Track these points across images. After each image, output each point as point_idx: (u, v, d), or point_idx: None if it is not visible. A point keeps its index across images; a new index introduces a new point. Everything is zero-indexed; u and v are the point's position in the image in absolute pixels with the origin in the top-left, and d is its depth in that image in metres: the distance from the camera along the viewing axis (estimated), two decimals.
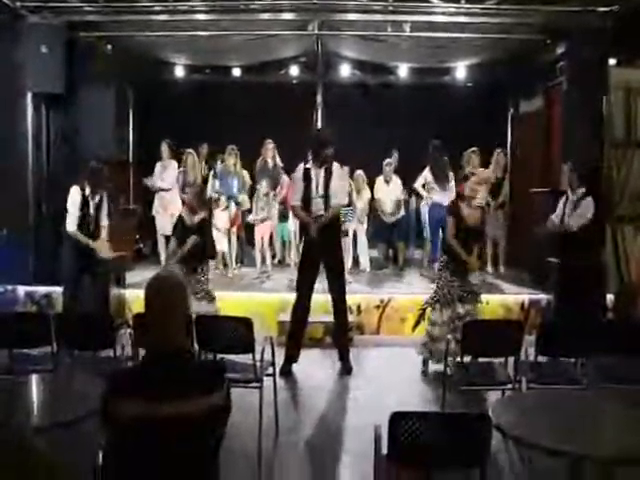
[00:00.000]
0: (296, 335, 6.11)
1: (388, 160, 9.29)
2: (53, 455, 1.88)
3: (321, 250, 5.96)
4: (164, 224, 8.67)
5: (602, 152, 7.52)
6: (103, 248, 6.56)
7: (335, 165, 6.14)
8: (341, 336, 6.27)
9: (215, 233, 8.57)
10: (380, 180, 9.26)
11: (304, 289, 6.07)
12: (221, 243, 8.66)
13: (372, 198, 9.26)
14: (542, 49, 8.43)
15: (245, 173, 9.27)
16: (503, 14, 7.46)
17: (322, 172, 6.00)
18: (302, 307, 6.08)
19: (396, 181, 9.24)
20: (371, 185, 9.28)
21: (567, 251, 6.48)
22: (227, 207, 8.86)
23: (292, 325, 6.15)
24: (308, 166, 6.06)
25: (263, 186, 8.89)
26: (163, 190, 9.03)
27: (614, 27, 7.20)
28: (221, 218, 8.82)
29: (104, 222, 6.62)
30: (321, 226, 5.91)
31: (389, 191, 9.21)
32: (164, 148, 9.10)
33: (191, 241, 5.96)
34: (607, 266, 7.15)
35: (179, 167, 9.13)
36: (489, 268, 8.94)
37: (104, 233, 6.61)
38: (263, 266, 8.89)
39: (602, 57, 7.52)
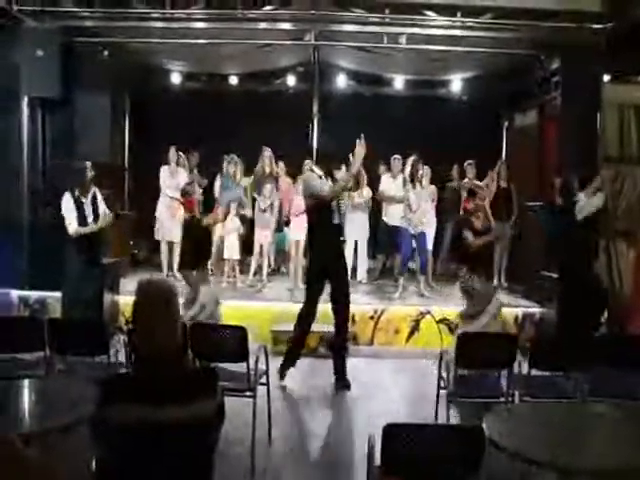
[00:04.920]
0: (300, 341, 6.07)
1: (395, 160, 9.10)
2: (44, 462, 1.87)
3: (328, 259, 5.96)
4: (171, 230, 8.53)
5: (596, 167, 7.58)
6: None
7: None
8: (340, 348, 6.10)
9: (227, 241, 8.57)
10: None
11: (314, 298, 5.99)
12: (232, 251, 8.59)
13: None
14: (537, 64, 8.51)
15: (245, 180, 9.20)
16: (498, 29, 7.53)
17: None
18: (309, 315, 6.01)
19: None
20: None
21: (561, 265, 6.49)
22: (238, 214, 8.72)
23: (298, 331, 6.08)
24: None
25: (263, 195, 8.83)
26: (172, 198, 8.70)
27: (608, 44, 7.29)
28: (233, 225, 8.67)
29: (102, 209, 6.27)
30: None
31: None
32: (172, 153, 8.93)
33: None
34: (600, 280, 7.18)
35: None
36: (495, 281, 8.93)
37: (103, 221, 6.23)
38: (259, 275, 8.78)
39: (596, 73, 7.60)
